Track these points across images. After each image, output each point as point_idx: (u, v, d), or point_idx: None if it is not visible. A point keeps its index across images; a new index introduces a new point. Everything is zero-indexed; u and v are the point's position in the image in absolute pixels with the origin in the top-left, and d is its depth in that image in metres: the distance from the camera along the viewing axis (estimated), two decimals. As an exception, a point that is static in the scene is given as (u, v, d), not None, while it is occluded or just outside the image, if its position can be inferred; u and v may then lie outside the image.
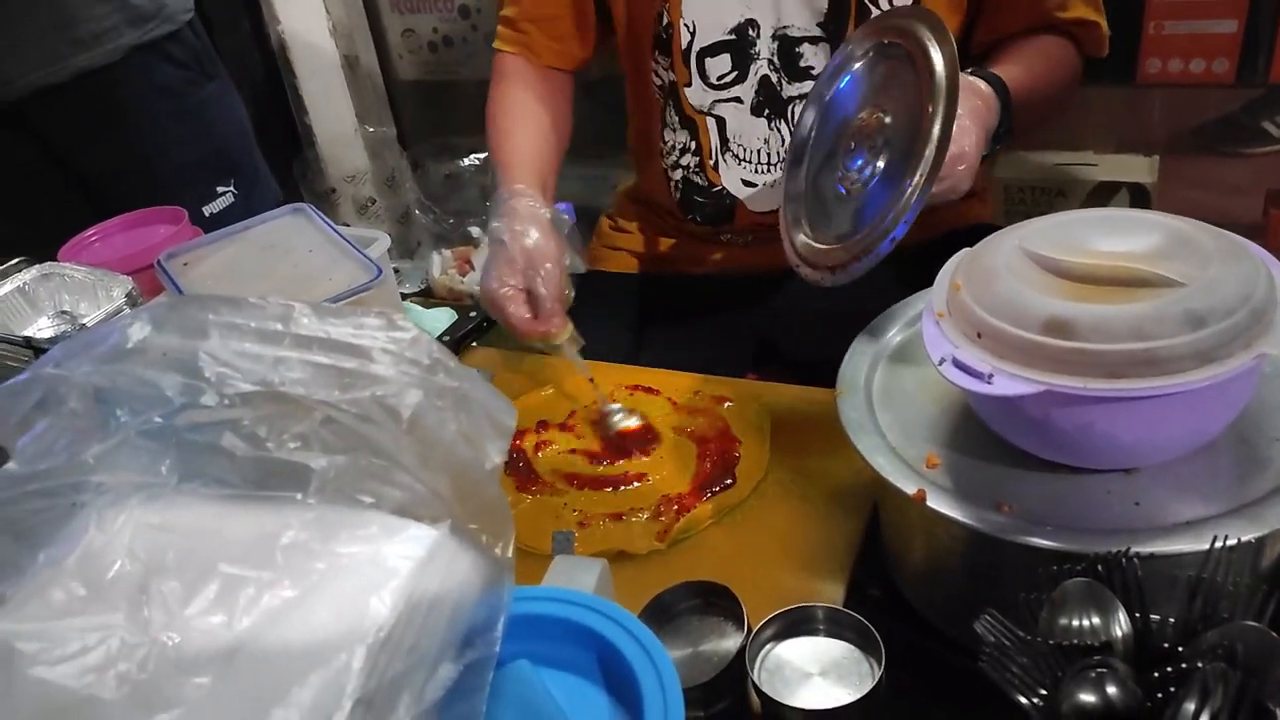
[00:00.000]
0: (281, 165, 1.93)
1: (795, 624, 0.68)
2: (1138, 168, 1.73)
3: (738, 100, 1.12)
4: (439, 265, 2.10)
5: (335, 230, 1.19)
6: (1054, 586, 0.57)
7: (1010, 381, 0.63)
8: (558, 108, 1.21)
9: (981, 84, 0.89)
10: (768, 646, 0.67)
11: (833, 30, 1.05)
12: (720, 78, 1.11)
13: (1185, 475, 0.66)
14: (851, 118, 0.86)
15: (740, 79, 1.11)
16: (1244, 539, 0.57)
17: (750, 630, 0.67)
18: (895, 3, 1.03)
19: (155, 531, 0.46)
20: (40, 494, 0.47)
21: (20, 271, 1.15)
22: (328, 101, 2.21)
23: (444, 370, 0.52)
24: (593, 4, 1.18)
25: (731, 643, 0.68)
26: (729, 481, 0.89)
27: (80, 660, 0.42)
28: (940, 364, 0.67)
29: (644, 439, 0.96)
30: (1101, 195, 1.72)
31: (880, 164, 0.81)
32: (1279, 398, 0.70)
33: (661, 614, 0.70)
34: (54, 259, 1.20)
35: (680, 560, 0.83)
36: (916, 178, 0.75)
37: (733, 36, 1.08)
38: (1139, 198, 1.73)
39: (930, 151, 0.75)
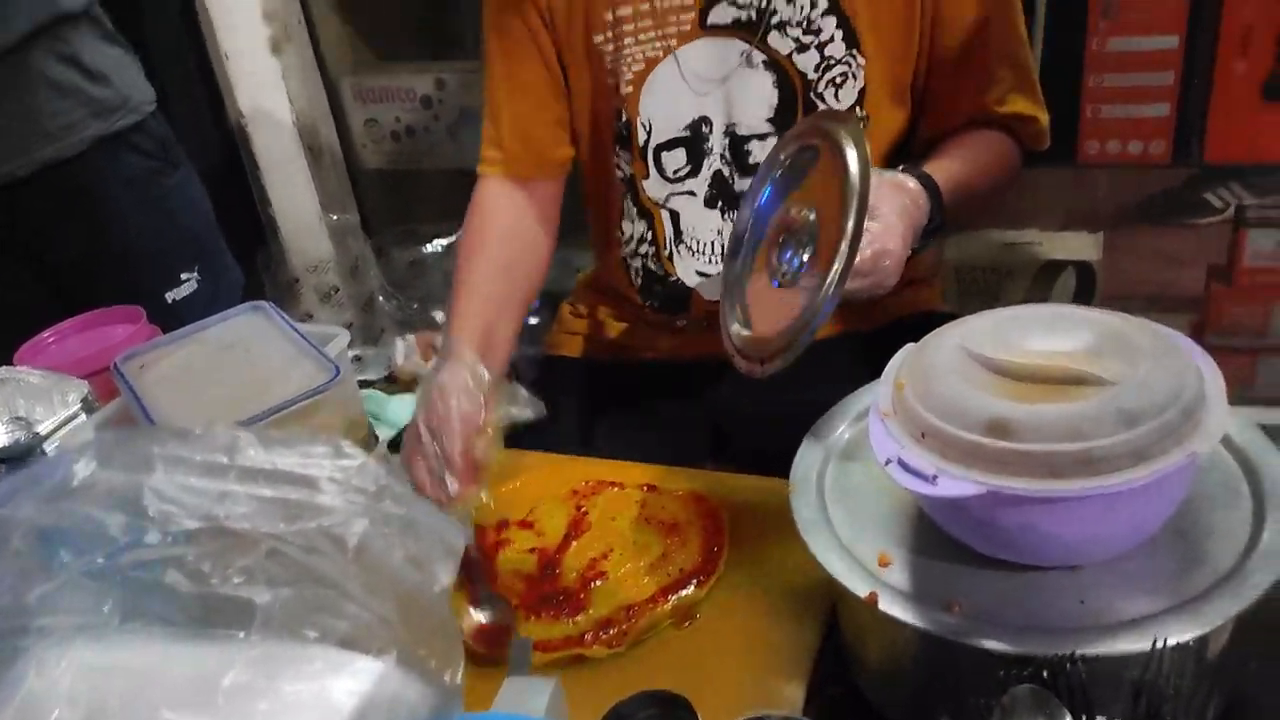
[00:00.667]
0: (245, 256, 1.94)
1: (753, 731, 0.68)
2: (1083, 245, 1.77)
3: (691, 193, 1.15)
4: (402, 351, 2.10)
5: (294, 328, 1.19)
6: (1003, 691, 0.58)
7: (954, 483, 0.65)
8: (535, 232, 1.21)
9: (910, 182, 0.92)
10: (726, 754, 0.67)
11: (781, 124, 1.09)
12: (676, 171, 1.14)
13: (1128, 571, 0.67)
14: (781, 213, 0.89)
15: (694, 173, 1.14)
16: (1184, 640, 0.58)
17: (708, 739, 0.67)
18: (840, 98, 1.07)
19: (97, 675, 0.46)
20: (-19, 638, 0.47)
21: (-25, 377, 1.14)
22: (291, 191, 2.22)
23: (390, 497, 0.53)
24: (565, 103, 1.20)
25: (690, 751, 0.68)
26: (696, 582, 0.88)
27: (16, 817, 0.42)
28: (887, 465, 0.68)
29: (495, 640, 0.86)
30: (1049, 273, 1.77)
31: (805, 257, 0.84)
32: (1214, 491, 0.71)
33: (619, 724, 0.70)
34: (9, 363, 1.19)
35: (637, 665, 0.82)
36: (831, 273, 0.77)
37: (687, 133, 1.12)
38: (1085, 275, 1.77)
39: (844, 247, 0.77)
